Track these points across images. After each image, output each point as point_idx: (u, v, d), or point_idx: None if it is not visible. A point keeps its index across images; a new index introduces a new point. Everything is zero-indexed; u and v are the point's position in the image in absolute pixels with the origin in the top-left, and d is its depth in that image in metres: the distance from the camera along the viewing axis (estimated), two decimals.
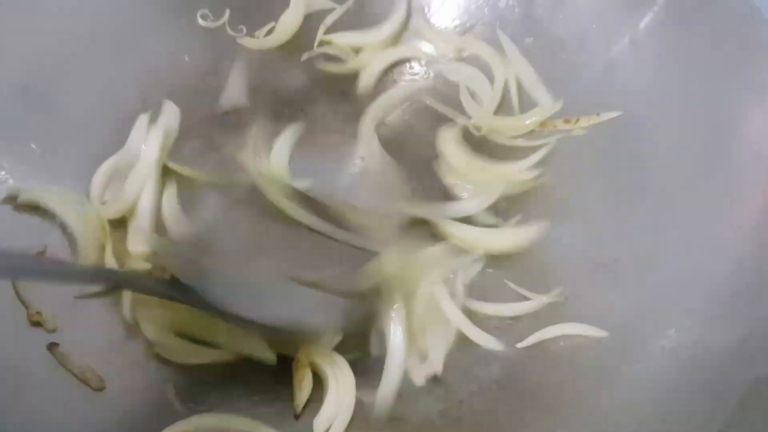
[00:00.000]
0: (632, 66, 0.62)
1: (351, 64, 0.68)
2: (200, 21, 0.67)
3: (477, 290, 0.57)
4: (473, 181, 0.62)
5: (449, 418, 0.52)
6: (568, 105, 0.64)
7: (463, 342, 0.54)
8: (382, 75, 0.68)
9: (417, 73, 0.69)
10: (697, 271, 0.52)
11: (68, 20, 0.62)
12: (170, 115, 0.62)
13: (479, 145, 0.64)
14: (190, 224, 0.58)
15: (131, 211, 0.57)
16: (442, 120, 0.65)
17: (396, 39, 0.69)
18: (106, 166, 0.60)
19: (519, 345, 0.54)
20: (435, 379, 0.53)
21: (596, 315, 0.54)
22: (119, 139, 0.61)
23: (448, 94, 0.67)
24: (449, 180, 0.62)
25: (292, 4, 0.68)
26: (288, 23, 0.68)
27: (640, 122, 0.60)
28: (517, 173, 0.62)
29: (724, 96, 0.55)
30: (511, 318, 0.56)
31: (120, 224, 0.57)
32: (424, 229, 0.59)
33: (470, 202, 0.61)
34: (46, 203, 0.56)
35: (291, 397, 0.51)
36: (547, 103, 0.65)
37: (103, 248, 0.56)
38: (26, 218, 0.56)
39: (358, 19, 0.69)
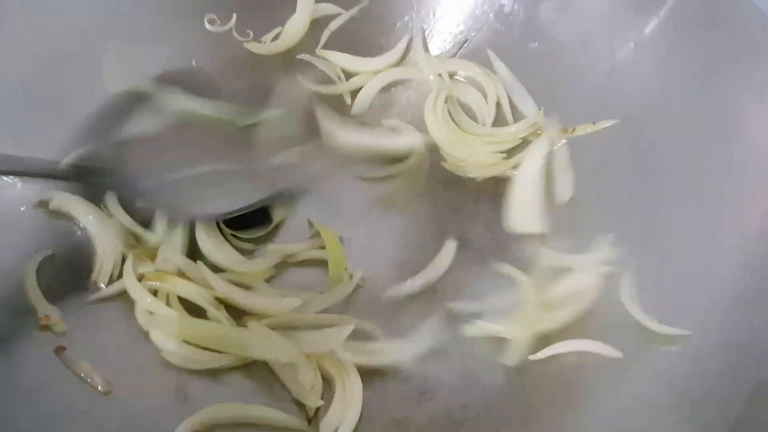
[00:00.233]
0: (636, 70, 0.62)
1: (341, 88, 0.68)
2: (207, 25, 0.68)
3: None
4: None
5: (453, 421, 0.52)
6: (571, 109, 0.64)
7: (468, 346, 0.55)
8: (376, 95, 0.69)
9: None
10: (701, 275, 0.52)
11: (76, 24, 0.62)
12: None
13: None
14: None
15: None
16: None
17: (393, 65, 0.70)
18: None
19: (531, 357, 0.53)
20: (439, 382, 0.53)
21: (600, 318, 0.54)
22: None
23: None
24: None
25: (298, 9, 0.68)
26: (294, 28, 0.69)
27: (643, 126, 0.60)
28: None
29: (728, 100, 0.56)
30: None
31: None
32: None
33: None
34: (73, 210, 0.57)
35: (294, 400, 0.51)
36: (534, 115, 0.66)
37: (122, 256, 0.56)
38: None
39: (363, 23, 0.70)
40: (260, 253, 0.59)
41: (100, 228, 0.57)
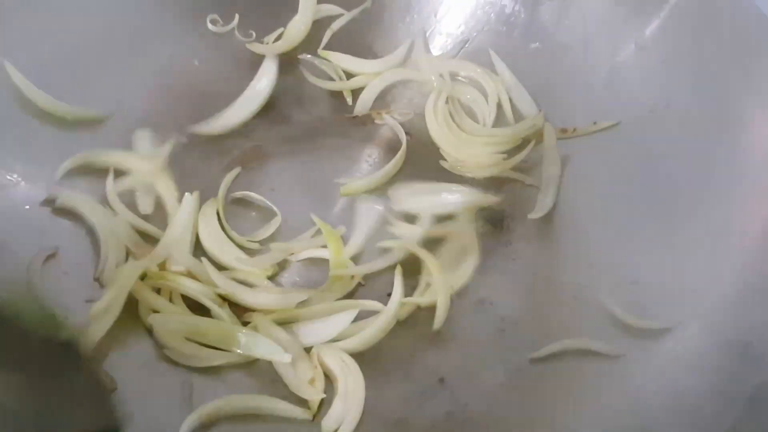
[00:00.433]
0: (637, 71, 0.62)
1: (340, 86, 0.69)
2: (210, 26, 0.68)
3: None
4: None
5: (455, 420, 0.52)
6: (571, 110, 0.64)
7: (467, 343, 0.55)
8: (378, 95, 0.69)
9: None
10: (702, 275, 0.53)
11: (78, 25, 0.62)
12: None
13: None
14: None
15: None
16: None
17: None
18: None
19: (532, 356, 0.54)
20: (441, 381, 0.53)
21: (601, 319, 0.54)
22: (127, 143, 0.62)
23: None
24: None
25: (300, 10, 0.69)
26: (296, 28, 0.69)
27: (643, 127, 0.60)
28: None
29: (728, 101, 0.56)
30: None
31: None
32: None
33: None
34: (80, 209, 0.57)
35: (297, 398, 0.51)
36: (533, 115, 0.66)
37: (125, 255, 0.56)
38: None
39: (365, 24, 0.70)
40: (263, 251, 0.59)
41: (106, 226, 0.57)
